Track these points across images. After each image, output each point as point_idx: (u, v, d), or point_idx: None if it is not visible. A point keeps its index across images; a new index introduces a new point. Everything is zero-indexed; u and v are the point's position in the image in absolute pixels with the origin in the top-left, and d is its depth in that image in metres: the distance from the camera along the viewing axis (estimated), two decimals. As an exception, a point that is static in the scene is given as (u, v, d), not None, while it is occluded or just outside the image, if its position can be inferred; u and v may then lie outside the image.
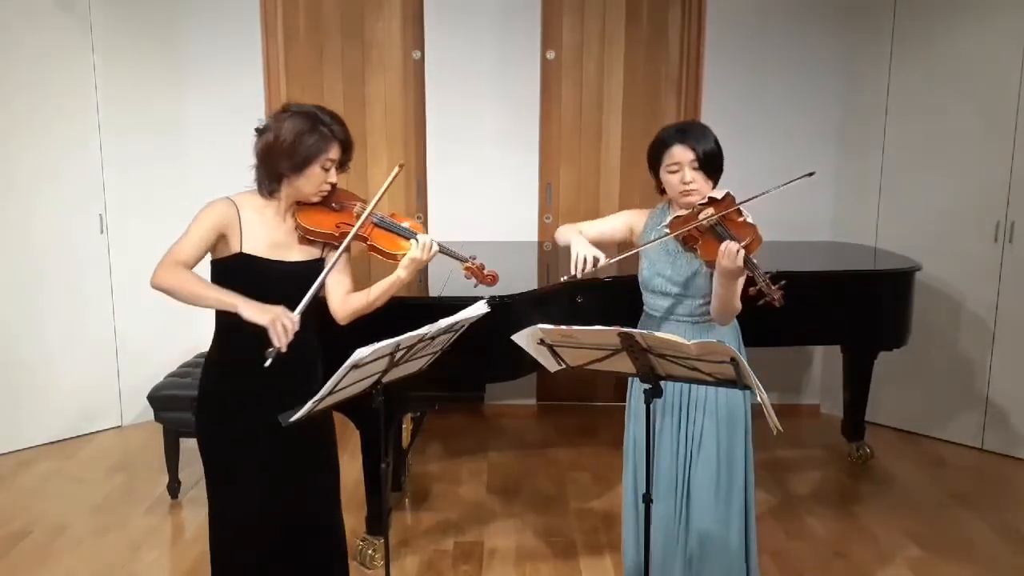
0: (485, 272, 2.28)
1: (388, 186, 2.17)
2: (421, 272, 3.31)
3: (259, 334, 1.96)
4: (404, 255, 2.18)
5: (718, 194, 2.30)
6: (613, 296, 3.14)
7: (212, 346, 2.23)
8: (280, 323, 1.95)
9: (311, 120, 2.11)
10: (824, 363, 4.86)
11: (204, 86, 4.52)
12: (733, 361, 1.87)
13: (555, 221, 4.74)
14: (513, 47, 4.56)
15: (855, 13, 4.53)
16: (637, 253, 2.47)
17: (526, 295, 3.01)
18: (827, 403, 4.89)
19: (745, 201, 2.29)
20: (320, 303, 2.21)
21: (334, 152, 2.14)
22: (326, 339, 2.26)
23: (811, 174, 2.37)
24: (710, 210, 2.27)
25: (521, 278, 3.89)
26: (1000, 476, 4.03)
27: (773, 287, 2.12)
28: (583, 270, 2.31)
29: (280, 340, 1.94)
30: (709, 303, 2.38)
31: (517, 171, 4.68)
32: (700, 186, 2.33)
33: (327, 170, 2.14)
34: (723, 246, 2.15)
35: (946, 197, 4.26)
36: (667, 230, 2.32)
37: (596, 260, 2.31)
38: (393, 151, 4.73)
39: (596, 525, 3.46)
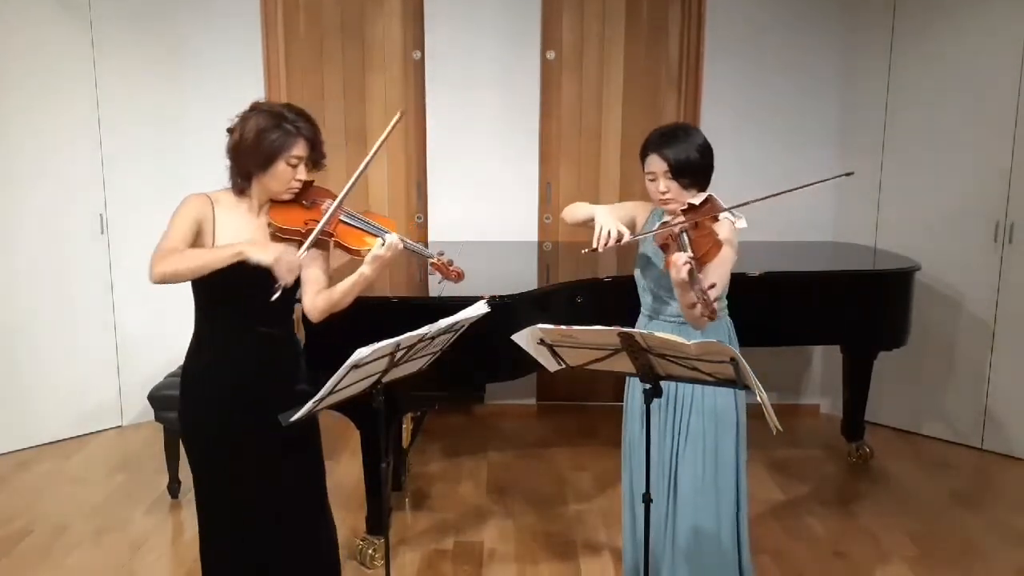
0: (451, 268, 2.24)
1: (387, 135, 2.19)
2: (418, 273, 3.32)
3: (237, 319, 2.15)
4: (368, 251, 2.15)
5: (697, 200, 2.28)
6: (613, 296, 3.14)
7: (192, 341, 2.25)
8: (283, 261, 2.01)
9: (275, 118, 2.09)
10: (824, 363, 4.86)
11: (204, 83, 4.51)
12: (733, 361, 1.87)
13: (555, 221, 4.74)
14: (513, 47, 4.56)
15: (855, 12, 4.53)
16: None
17: (526, 295, 3.01)
18: (827, 403, 4.88)
19: (726, 209, 2.28)
20: None
21: (298, 149, 2.11)
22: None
23: (850, 174, 2.45)
24: (681, 217, 2.26)
25: (521, 278, 3.90)
26: (1000, 476, 4.03)
27: (710, 306, 2.02)
28: (606, 244, 2.25)
29: (284, 277, 2.01)
30: None
31: (517, 171, 4.67)
32: (675, 195, 2.32)
33: (294, 167, 2.12)
34: (672, 257, 2.12)
35: (946, 197, 4.26)
36: (653, 231, 2.32)
37: (620, 236, 2.26)
38: (393, 151, 4.72)
39: (596, 525, 3.46)
